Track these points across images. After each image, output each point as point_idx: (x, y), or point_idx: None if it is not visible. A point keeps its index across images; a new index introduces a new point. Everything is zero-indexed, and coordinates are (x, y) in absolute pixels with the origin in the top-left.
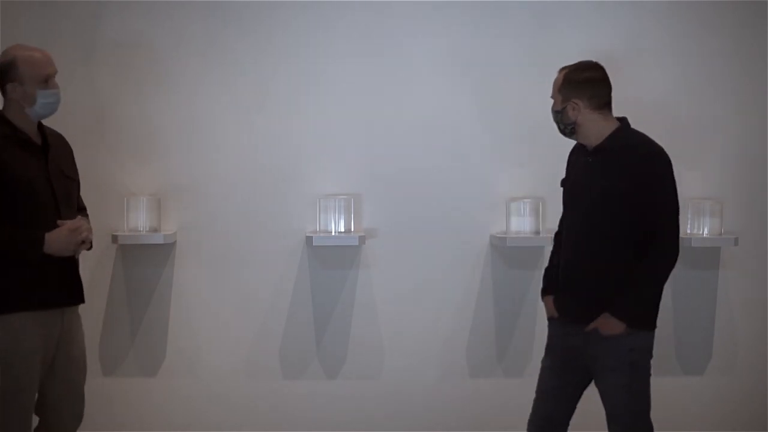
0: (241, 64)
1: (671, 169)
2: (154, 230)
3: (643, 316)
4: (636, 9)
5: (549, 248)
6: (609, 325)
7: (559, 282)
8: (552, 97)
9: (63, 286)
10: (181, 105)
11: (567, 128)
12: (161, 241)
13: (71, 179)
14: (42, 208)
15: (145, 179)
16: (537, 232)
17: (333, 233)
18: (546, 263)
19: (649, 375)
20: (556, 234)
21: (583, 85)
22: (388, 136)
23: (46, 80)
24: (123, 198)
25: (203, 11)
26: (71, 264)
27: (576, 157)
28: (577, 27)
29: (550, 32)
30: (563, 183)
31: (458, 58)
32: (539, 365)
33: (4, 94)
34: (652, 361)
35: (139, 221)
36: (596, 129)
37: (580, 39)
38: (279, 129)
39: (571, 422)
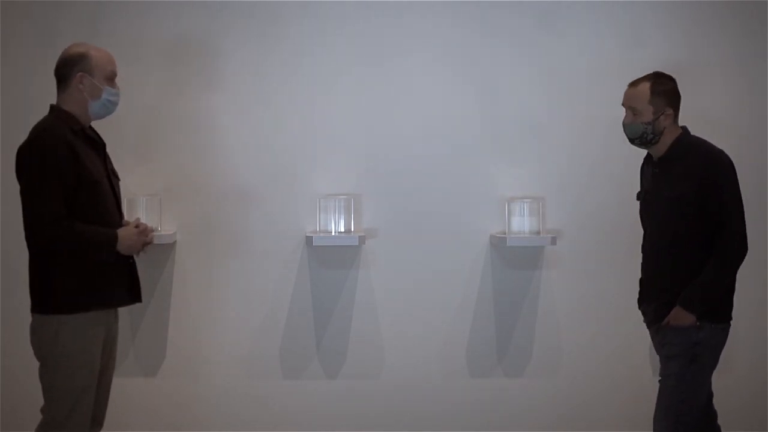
0: (240, 64)
1: (734, 169)
2: (155, 230)
3: (711, 308)
4: (636, 9)
5: (549, 248)
6: (679, 316)
7: (643, 290)
8: (632, 109)
9: (126, 285)
10: (181, 105)
11: (655, 138)
12: (161, 241)
13: (119, 179)
14: (109, 207)
15: (145, 179)
16: (537, 232)
17: (333, 233)
18: (546, 263)
19: (710, 370)
20: (642, 247)
21: (671, 94)
22: (388, 136)
23: (112, 78)
24: (123, 198)
25: (203, 11)
26: (132, 263)
27: (645, 168)
28: (577, 27)
29: (550, 32)
30: (639, 196)
31: (458, 59)
32: (539, 365)
33: (66, 87)
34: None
35: None
36: (670, 136)
37: (580, 39)
38: (279, 129)
39: (570, 421)
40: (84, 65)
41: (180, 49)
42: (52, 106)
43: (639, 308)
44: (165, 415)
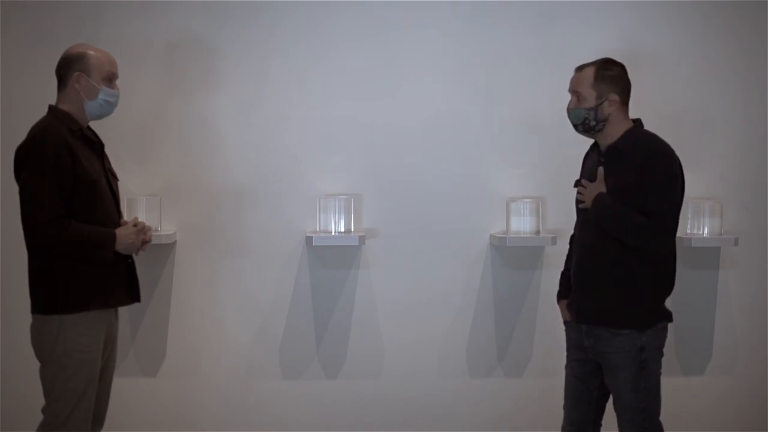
0: (240, 63)
1: (678, 169)
2: (155, 230)
3: (606, 221)
4: (636, 9)
5: (549, 248)
6: (593, 189)
7: (572, 283)
8: (576, 94)
9: (125, 284)
10: (180, 105)
11: (599, 125)
12: (161, 241)
13: (117, 179)
14: (108, 207)
15: (145, 179)
16: (537, 232)
17: (333, 233)
18: (545, 263)
19: (659, 373)
20: (571, 237)
21: (617, 80)
22: (388, 136)
23: (111, 79)
24: (123, 198)
25: (202, 11)
26: (131, 263)
27: (589, 157)
28: (577, 27)
29: (550, 32)
30: (577, 184)
31: (458, 58)
32: (539, 365)
33: (64, 86)
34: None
35: None
36: (619, 126)
37: (580, 39)
38: (279, 129)
39: None
40: (81, 65)
41: (180, 49)
42: (50, 107)
43: (558, 301)
44: (165, 415)
